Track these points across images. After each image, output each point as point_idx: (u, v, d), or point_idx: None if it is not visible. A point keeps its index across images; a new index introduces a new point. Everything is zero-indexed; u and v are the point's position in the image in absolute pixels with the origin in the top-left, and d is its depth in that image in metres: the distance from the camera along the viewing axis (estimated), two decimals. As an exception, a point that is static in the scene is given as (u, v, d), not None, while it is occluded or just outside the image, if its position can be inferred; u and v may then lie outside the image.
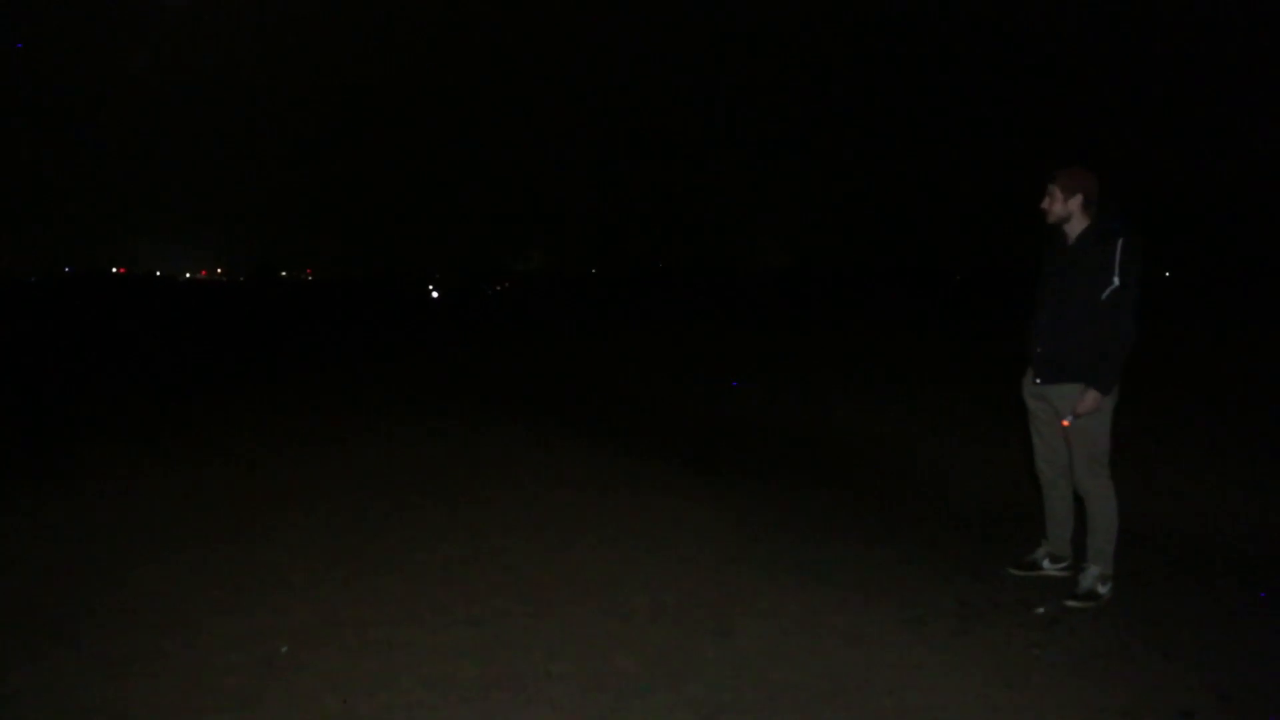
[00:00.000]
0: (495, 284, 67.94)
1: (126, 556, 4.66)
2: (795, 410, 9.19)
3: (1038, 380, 4.04)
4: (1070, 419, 3.89)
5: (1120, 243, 3.78)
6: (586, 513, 5.42)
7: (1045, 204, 3.98)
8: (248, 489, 6.07)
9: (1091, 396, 3.80)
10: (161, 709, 3.11)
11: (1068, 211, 3.94)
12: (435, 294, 57.20)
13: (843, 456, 7.05)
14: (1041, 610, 3.81)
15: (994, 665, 3.34)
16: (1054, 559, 4.21)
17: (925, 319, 22.73)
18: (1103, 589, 3.88)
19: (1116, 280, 3.76)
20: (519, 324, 25.13)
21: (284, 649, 3.53)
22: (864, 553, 4.62)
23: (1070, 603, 3.85)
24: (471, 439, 7.91)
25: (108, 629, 3.75)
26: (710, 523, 5.19)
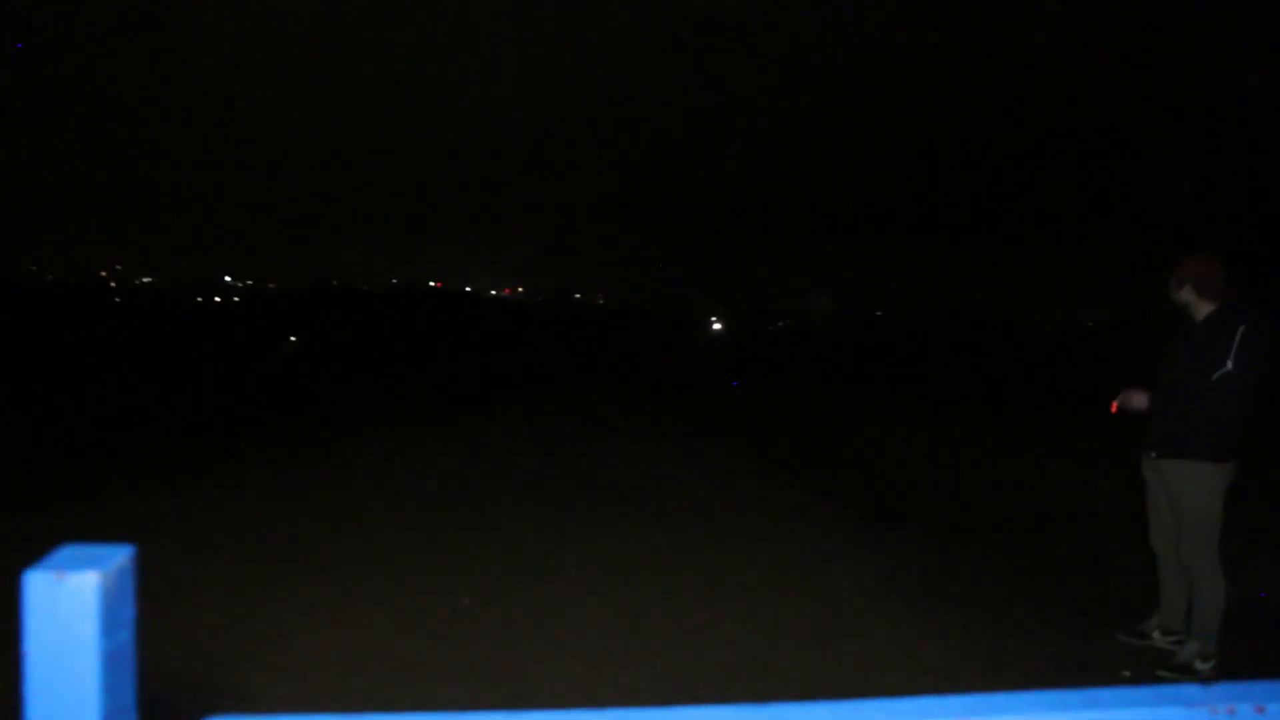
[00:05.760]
0: (775, 320, 68.84)
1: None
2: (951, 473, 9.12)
3: (1153, 454, 4.13)
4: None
5: (1241, 330, 3.83)
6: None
7: (1170, 290, 4.14)
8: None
9: (1192, 469, 3.89)
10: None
11: (1182, 299, 4.05)
12: (717, 326, 59.12)
13: (999, 519, 7.05)
14: (1128, 674, 3.90)
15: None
16: (1165, 631, 4.22)
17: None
18: (1201, 665, 3.89)
19: (1230, 365, 3.82)
20: (787, 358, 25.68)
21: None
22: (1003, 607, 4.79)
23: (1162, 673, 3.90)
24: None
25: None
26: (850, 573, 5.50)
